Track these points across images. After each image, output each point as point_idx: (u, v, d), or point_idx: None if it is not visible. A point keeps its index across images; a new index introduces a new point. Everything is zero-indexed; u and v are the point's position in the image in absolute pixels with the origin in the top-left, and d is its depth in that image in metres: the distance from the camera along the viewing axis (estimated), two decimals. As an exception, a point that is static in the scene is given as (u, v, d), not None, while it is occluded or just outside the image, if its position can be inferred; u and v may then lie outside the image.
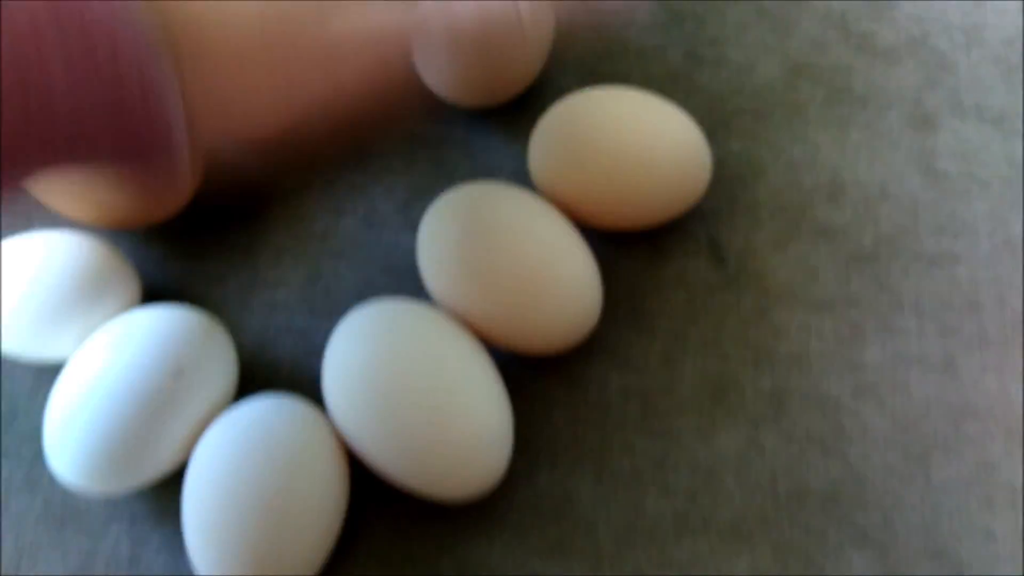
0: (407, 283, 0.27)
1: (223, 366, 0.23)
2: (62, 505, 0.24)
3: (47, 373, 0.25)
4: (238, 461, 0.21)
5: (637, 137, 0.24)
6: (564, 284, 0.23)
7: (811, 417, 0.25)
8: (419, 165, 0.29)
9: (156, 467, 0.22)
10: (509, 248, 0.23)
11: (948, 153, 0.28)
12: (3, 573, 0.24)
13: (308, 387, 0.25)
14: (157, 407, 0.22)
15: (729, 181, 0.28)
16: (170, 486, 0.24)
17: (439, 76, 0.27)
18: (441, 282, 0.24)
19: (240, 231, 0.28)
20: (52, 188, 0.24)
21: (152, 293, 0.26)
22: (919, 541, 0.23)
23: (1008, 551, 0.23)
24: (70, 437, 0.22)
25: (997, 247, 0.27)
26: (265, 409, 0.22)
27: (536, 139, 0.26)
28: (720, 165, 0.28)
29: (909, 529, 0.24)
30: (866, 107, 0.29)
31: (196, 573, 0.21)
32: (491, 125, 0.29)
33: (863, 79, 0.30)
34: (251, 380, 0.25)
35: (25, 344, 0.24)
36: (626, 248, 0.27)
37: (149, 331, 0.22)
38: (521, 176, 0.28)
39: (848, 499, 0.24)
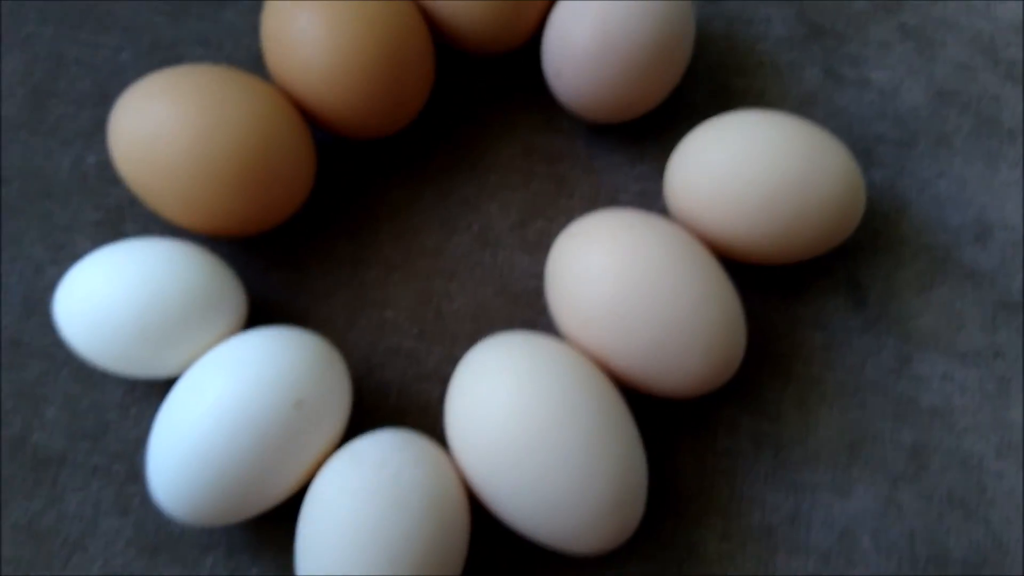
0: (525, 309, 0.26)
1: (340, 396, 0.22)
2: (155, 530, 0.23)
3: (139, 387, 0.25)
4: (359, 501, 0.20)
5: (789, 167, 0.23)
6: (709, 325, 0.22)
7: (953, 476, 0.24)
8: (537, 180, 0.27)
9: (266, 502, 0.21)
10: (650, 283, 0.22)
11: (1108, 196, 0.27)
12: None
13: (419, 416, 0.25)
14: (275, 440, 0.20)
15: (870, 215, 0.27)
16: (270, 517, 0.23)
17: (567, 86, 0.26)
18: (574, 316, 0.22)
19: (348, 245, 0.27)
20: (163, 193, 0.23)
21: (256, 307, 0.25)
22: (1074, 621, 0.22)
23: None
24: (176, 466, 0.21)
25: None
26: (388, 445, 0.21)
27: (674, 163, 0.24)
28: (862, 196, 0.26)
29: (1065, 608, 0.22)
30: (1015, 141, 0.28)
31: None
32: (615, 142, 0.28)
33: (1012, 110, 0.28)
34: (358, 404, 0.24)
35: (121, 357, 0.23)
36: (761, 282, 0.26)
37: (267, 356, 0.21)
38: (647, 198, 0.27)
39: (989, 565, 0.23)
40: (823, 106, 0.28)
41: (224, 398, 0.20)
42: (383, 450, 0.21)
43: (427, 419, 0.24)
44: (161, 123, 0.23)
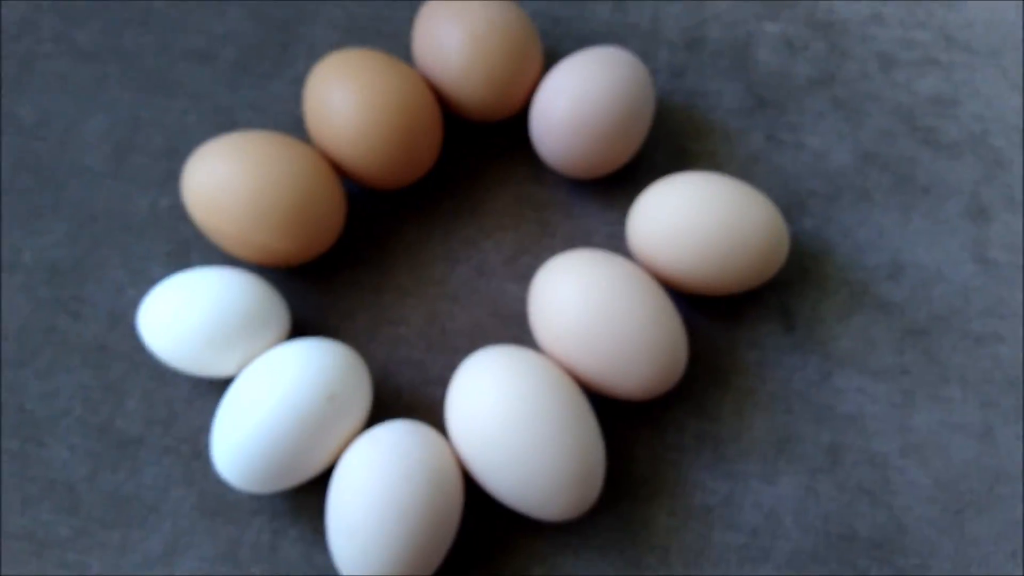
0: (512, 327, 0.31)
1: (363, 393, 0.27)
2: (214, 498, 0.28)
3: (203, 385, 0.30)
4: (377, 475, 0.24)
5: (725, 217, 0.28)
6: (656, 342, 0.26)
7: (862, 471, 0.28)
8: (526, 223, 0.32)
9: (304, 474, 0.26)
10: (610, 308, 0.26)
11: (1000, 243, 0.31)
12: (162, 553, 0.28)
13: (425, 412, 0.29)
14: (313, 425, 0.25)
15: (801, 255, 0.31)
16: (306, 488, 0.28)
17: (550, 149, 0.31)
18: (549, 333, 0.27)
19: (370, 273, 0.32)
20: (225, 232, 0.29)
21: (297, 321, 0.31)
22: (953, 587, 0.27)
23: (1032, 603, 0.26)
24: (236, 445, 0.25)
25: (1039, 330, 0.30)
26: (401, 432, 0.26)
27: (635, 212, 0.29)
28: (794, 240, 0.31)
29: (943, 573, 0.27)
30: (928, 196, 0.32)
31: (337, 569, 0.25)
32: (591, 193, 0.33)
33: (926, 170, 0.33)
34: (377, 402, 0.29)
35: (190, 360, 0.28)
36: (708, 311, 0.30)
37: (307, 360, 0.26)
38: (615, 239, 0.32)
39: (890, 544, 0.27)
40: (764, 165, 0.33)
41: (272, 393, 0.25)
42: (396, 435, 0.26)
43: (432, 415, 0.29)
44: (224, 177, 0.28)
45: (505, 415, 0.25)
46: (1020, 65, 0.35)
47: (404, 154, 0.30)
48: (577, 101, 0.29)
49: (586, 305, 0.27)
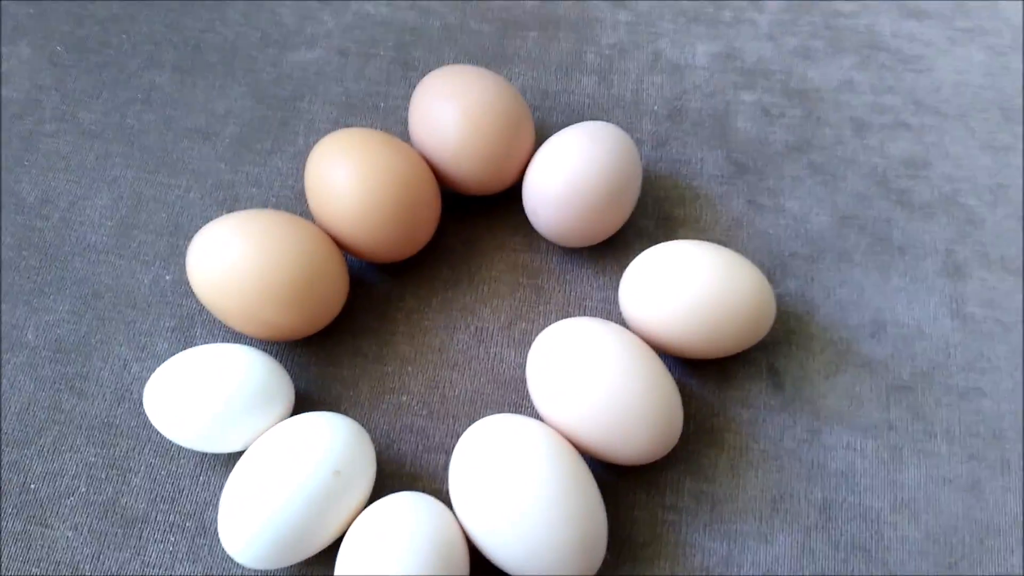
0: (511, 393, 0.31)
1: (368, 465, 0.27)
2: (220, 574, 0.28)
3: (209, 460, 0.30)
4: (384, 549, 0.25)
5: (713, 283, 0.29)
6: (653, 407, 0.27)
7: (855, 526, 0.29)
8: (521, 290, 0.33)
9: (311, 549, 0.27)
10: (607, 376, 0.27)
11: (976, 299, 0.33)
12: (167, 629, 0.28)
13: (428, 479, 0.30)
14: (319, 501, 0.26)
15: (786, 316, 0.33)
16: (312, 562, 0.28)
17: (543, 222, 0.32)
18: (548, 400, 0.28)
19: (371, 343, 0.32)
20: (230, 308, 0.29)
21: (300, 392, 0.31)
22: (949, 642, 0.27)
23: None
24: (245, 525, 0.26)
25: (1018, 383, 0.31)
26: (406, 505, 0.26)
27: (627, 280, 0.31)
28: (779, 301, 0.32)
29: (941, 631, 0.28)
30: (904, 255, 0.34)
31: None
32: (583, 260, 0.34)
33: (902, 230, 0.34)
34: (381, 472, 0.30)
35: (196, 437, 0.28)
36: (699, 372, 0.31)
37: (312, 435, 0.27)
38: (608, 303, 0.33)
39: None
40: (747, 229, 0.34)
41: (279, 468, 0.26)
42: (401, 508, 0.26)
43: (434, 483, 0.30)
44: (228, 254, 0.29)
45: (507, 484, 0.26)
46: (987, 126, 0.37)
47: (404, 229, 0.31)
48: (568, 175, 0.31)
49: (583, 373, 0.27)
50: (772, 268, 0.34)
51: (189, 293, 0.33)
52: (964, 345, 0.32)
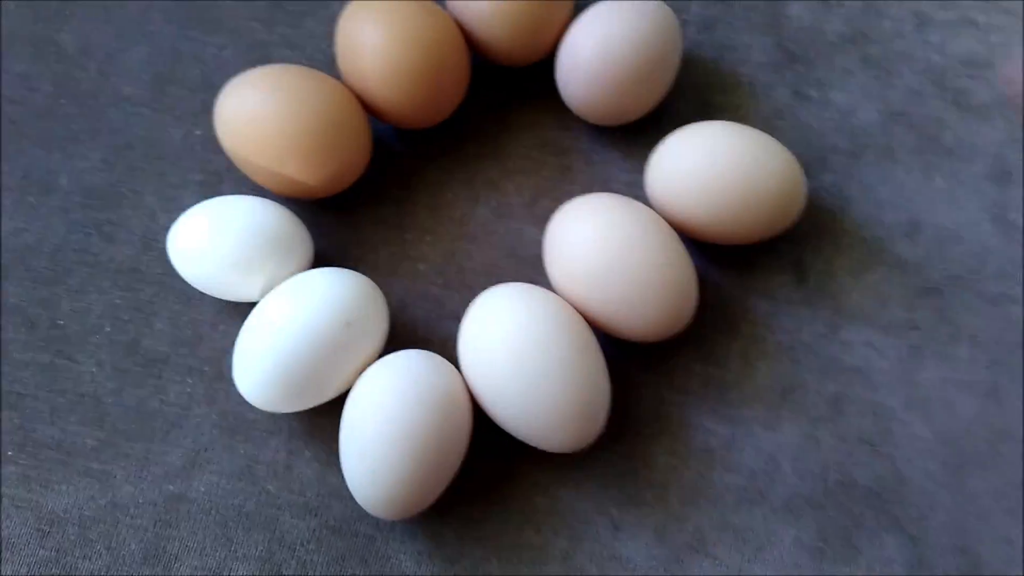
0: (527, 268, 0.31)
1: (379, 322, 0.28)
2: (234, 417, 0.29)
3: (228, 308, 0.31)
4: (389, 399, 0.25)
5: (741, 164, 0.28)
6: (667, 283, 0.27)
7: (865, 421, 0.29)
8: (547, 168, 0.33)
9: (320, 396, 0.27)
10: (622, 249, 0.27)
11: (1020, 207, 0.31)
12: (182, 467, 0.29)
13: (439, 345, 0.30)
14: (329, 350, 0.26)
15: (819, 210, 0.32)
16: (321, 411, 0.29)
17: (573, 94, 0.31)
18: (562, 272, 0.28)
19: (392, 210, 0.32)
20: (254, 161, 0.29)
21: (320, 253, 0.32)
22: (946, 537, 0.27)
23: (1024, 557, 0.27)
24: (256, 366, 0.26)
25: (1053, 294, 0.30)
26: (414, 360, 0.27)
27: (655, 160, 0.30)
28: (813, 194, 0.31)
29: (939, 526, 0.27)
30: (951, 157, 0.32)
31: (349, 485, 0.26)
32: (612, 140, 0.33)
33: (952, 131, 0.33)
34: (394, 333, 0.30)
35: (216, 284, 0.29)
36: (722, 259, 0.31)
37: (326, 288, 0.27)
38: (634, 187, 0.32)
39: (889, 494, 0.28)
40: (789, 120, 0.33)
41: (293, 317, 0.26)
42: (409, 362, 0.26)
43: (445, 349, 0.29)
44: (255, 108, 0.29)
45: (515, 347, 0.26)
46: (1059, 30, 0.34)
47: (431, 93, 0.30)
48: (603, 46, 0.30)
49: (599, 245, 0.27)
50: (810, 161, 0.32)
51: (218, 150, 0.33)
52: (1001, 252, 0.31)
